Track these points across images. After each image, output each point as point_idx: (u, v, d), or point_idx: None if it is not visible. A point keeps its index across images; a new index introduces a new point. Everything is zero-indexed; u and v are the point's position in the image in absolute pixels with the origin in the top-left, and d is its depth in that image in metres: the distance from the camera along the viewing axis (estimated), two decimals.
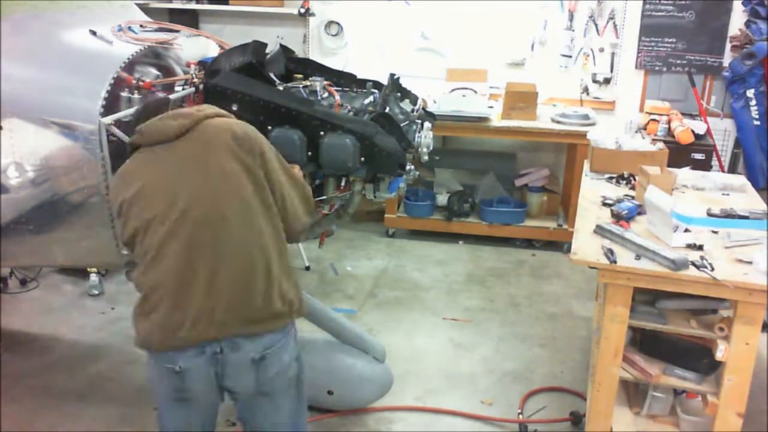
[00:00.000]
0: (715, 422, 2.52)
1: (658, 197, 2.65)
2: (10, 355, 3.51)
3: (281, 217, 2.06)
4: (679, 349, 2.64)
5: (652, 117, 4.82)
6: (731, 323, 2.43)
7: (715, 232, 2.74)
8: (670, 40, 5.11)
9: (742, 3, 4.95)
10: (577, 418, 3.08)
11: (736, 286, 2.34)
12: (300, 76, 2.81)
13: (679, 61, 5.15)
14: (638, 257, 2.47)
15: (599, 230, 2.67)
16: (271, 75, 2.81)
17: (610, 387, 2.59)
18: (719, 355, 2.46)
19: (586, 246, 2.56)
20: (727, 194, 3.27)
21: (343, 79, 2.94)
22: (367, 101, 2.73)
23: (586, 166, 3.59)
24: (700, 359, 2.58)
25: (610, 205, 2.95)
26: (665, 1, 5.05)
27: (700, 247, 2.54)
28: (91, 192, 2.48)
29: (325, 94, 2.71)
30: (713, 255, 2.50)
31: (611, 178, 3.37)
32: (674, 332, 2.56)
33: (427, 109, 3.01)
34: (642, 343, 2.75)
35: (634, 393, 2.88)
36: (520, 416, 3.13)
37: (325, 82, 2.75)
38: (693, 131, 4.68)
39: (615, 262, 2.43)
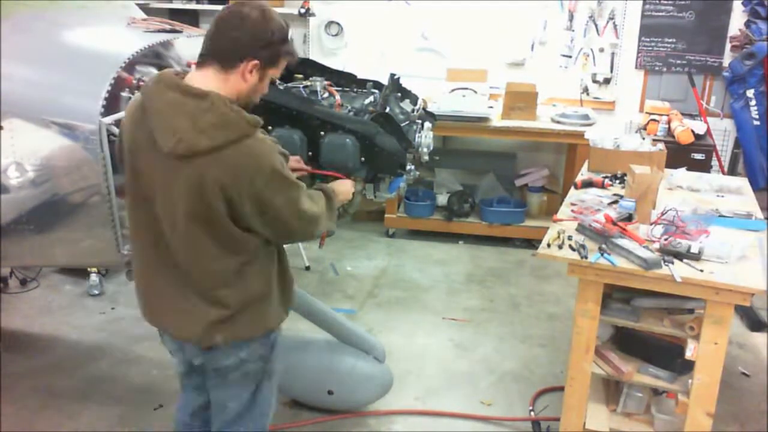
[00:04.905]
0: (686, 421, 2.52)
1: None
2: (10, 355, 3.50)
3: None
4: (653, 348, 2.66)
5: (652, 117, 4.82)
6: (701, 323, 2.43)
7: None
8: (670, 40, 5.12)
9: (742, 3, 4.96)
10: None
11: (701, 285, 2.33)
12: (300, 76, 2.80)
13: (678, 61, 5.15)
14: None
15: (581, 228, 2.70)
16: None
17: (582, 382, 2.60)
18: (688, 354, 2.46)
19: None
20: (722, 196, 3.27)
21: (343, 79, 2.93)
22: (367, 101, 2.72)
23: (586, 166, 3.59)
24: (673, 358, 2.59)
25: None
26: (665, 1, 5.05)
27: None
28: (92, 192, 2.48)
29: (326, 94, 2.70)
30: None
31: (606, 177, 3.37)
32: (647, 330, 2.59)
33: (428, 109, 3.00)
34: (619, 341, 2.76)
35: (614, 391, 2.90)
36: (532, 413, 3.16)
37: (326, 82, 2.75)
38: (693, 131, 4.68)
39: (586, 257, 2.43)
